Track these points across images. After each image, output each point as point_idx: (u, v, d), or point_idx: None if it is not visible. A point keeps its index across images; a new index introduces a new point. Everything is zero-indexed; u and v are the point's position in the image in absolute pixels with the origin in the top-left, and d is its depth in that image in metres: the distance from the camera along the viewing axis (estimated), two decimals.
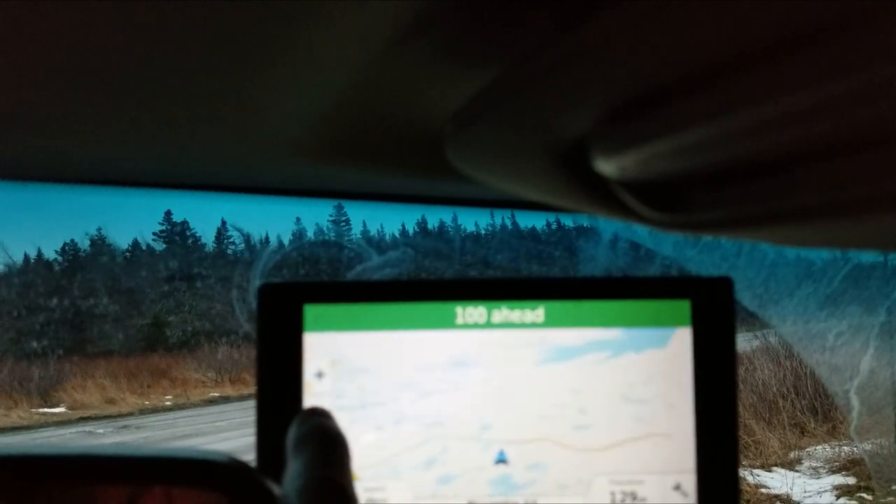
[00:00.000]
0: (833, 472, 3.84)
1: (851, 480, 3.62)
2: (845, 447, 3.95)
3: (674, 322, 0.46)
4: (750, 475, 3.85)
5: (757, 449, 4.21)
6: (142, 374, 9.50)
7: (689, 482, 0.46)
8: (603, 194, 0.30)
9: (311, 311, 0.45)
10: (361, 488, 0.44)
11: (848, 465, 3.79)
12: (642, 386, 0.46)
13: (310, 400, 0.45)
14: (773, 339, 4.98)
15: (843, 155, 0.22)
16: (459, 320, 0.46)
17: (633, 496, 0.46)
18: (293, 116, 0.40)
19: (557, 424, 0.46)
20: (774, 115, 0.21)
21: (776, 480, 3.78)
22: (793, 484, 3.69)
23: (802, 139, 0.22)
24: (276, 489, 0.34)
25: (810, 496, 3.56)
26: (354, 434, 0.45)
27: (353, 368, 0.46)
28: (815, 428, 4.41)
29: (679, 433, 0.46)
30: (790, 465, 4.01)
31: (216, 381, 9.57)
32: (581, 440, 0.46)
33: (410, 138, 0.42)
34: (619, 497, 0.46)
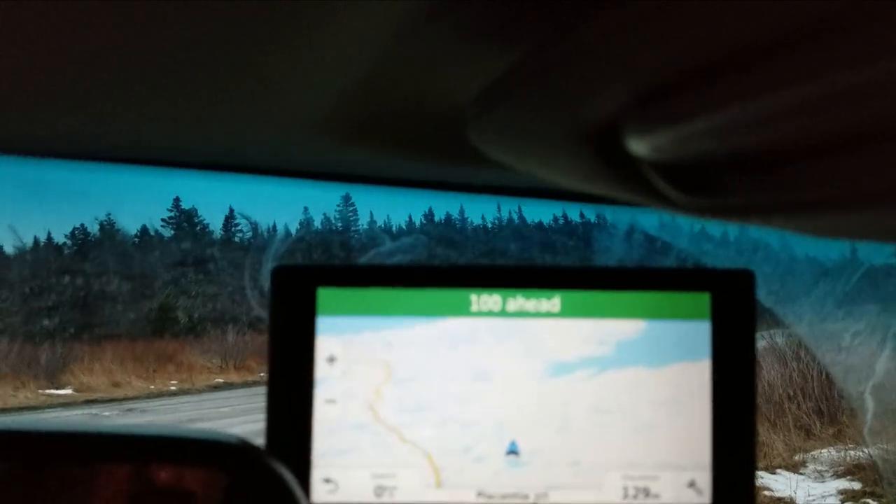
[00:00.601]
0: (838, 476, 3.82)
1: (857, 485, 3.60)
2: (851, 451, 3.93)
3: (693, 315, 0.45)
4: None
5: (761, 451, 4.19)
6: (148, 358, 9.54)
7: (705, 479, 0.45)
8: (632, 177, 0.29)
9: (324, 295, 0.45)
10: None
11: (853, 470, 3.77)
12: (658, 381, 0.45)
13: (322, 384, 0.45)
14: (779, 340, 4.95)
15: (881, 143, 0.21)
16: (474, 307, 0.45)
17: (647, 492, 0.45)
18: (313, 98, 0.39)
19: (568, 418, 0.45)
20: (811, 99, 0.20)
21: (780, 483, 3.77)
22: (797, 487, 3.67)
23: (839, 125, 0.21)
24: (284, 471, 0.33)
25: (814, 500, 3.54)
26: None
27: (367, 355, 0.45)
28: (820, 431, 4.38)
29: (695, 429, 0.45)
30: (794, 468, 3.99)
31: (221, 367, 9.60)
32: (592, 434, 0.45)
33: (433, 121, 0.42)
34: (631, 492, 0.45)
